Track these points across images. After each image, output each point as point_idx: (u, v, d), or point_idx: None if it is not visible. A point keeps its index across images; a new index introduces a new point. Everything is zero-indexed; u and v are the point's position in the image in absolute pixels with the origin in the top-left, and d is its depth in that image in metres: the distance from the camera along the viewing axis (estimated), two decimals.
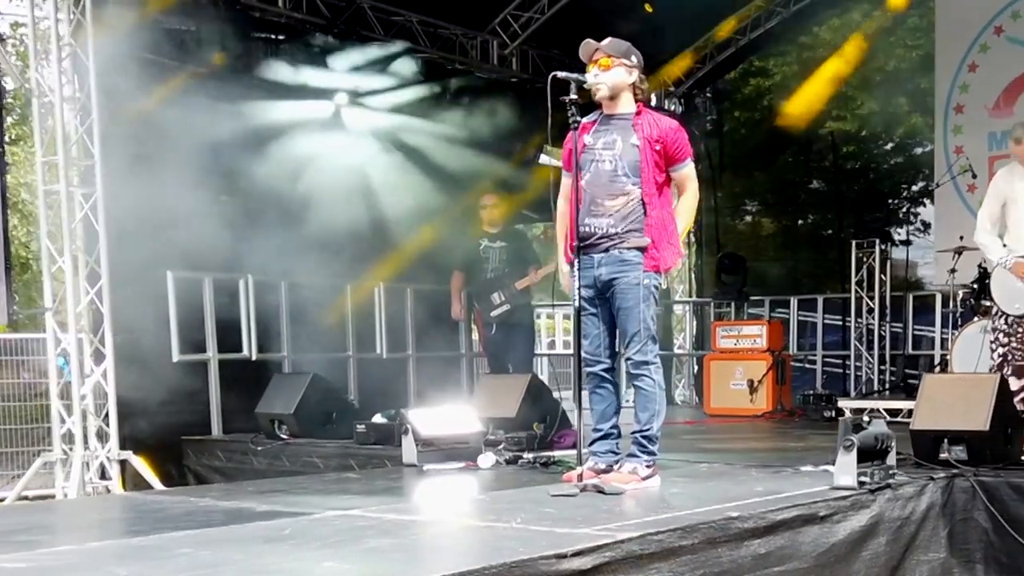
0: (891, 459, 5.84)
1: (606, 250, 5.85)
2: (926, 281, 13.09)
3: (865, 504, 5.39)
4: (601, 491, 5.54)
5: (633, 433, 5.99)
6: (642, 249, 5.82)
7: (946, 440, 6.27)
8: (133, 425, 8.82)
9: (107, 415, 8.59)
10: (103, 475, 8.53)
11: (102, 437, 8.59)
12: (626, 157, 5.83)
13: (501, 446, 7.45)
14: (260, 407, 9.07)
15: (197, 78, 9.59)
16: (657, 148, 5.81)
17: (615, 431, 6.10)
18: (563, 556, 3.95)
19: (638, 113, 5.90)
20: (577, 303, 5.80)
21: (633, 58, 5.92)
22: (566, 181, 6.07)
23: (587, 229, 5.83)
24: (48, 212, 8.65)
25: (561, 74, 5.74)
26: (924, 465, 6.21)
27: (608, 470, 5.96)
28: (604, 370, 6.05)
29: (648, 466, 5.93)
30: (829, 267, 13.75)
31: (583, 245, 5.80)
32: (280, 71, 10.40)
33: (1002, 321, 7.17)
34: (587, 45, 5.91)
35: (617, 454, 6.07)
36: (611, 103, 5.92)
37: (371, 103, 11.17)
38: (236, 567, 3.95)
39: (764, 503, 5.09)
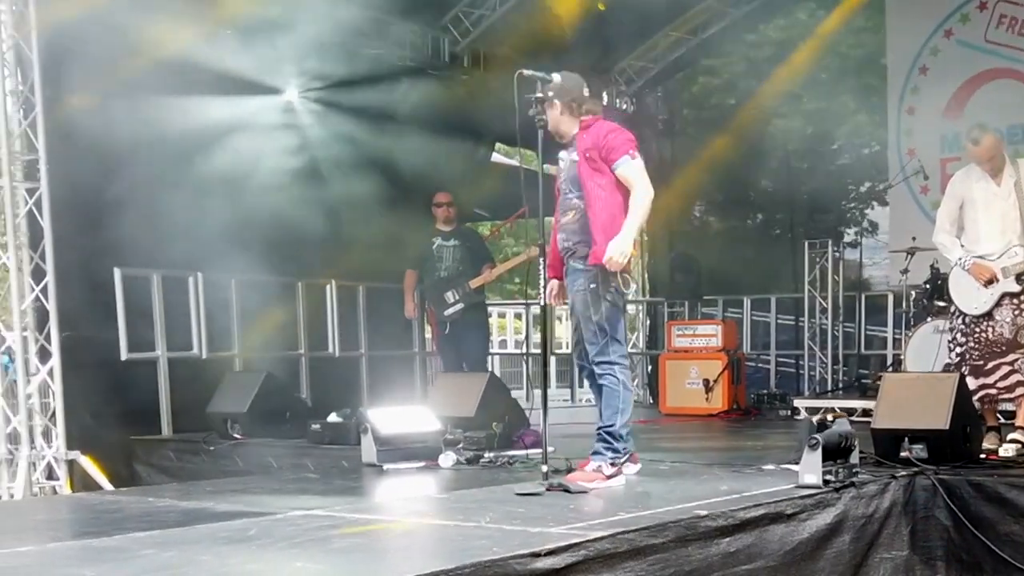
0: (854, 458, 5.84)
1: (565, 263, 6.15)
2: (874, 282, 13.19)
3: (830, 502, 5.41)
4: (567, 490, 5.53)
5: (597, 430, 6.02)
6: (585, 256, 5.98)
7: (907, 439, 6.30)
8: (81, 425, 8.65)
9: (53, 414, 8.41)
10: (50, 475, 8.35)
11: (48, 437, 8.41)
12: (570, 174, 6.06)
13: (460, 445, 7.38)
14: (212, 406, 8.96)
15: (145, 71, 9.39)
16: (589, 156, 5.96)
17: None
18: (537, 555, 3.93)
19: (583, 128, 6.05)
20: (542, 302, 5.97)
21: (562, 92, 5.96)
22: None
23: (559, 247, 6.18)
24: None
25: (527, 72, 5.75)
26: (885, 464, 6.25)
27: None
28: (586, 372, 6.28)
29: (612, 464, 5.93)
30: (779, 267, 13.80)
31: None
32: (229, 65, 10.23)
33: (959, 321, 7.20)
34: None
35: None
36: (560, 135, 6.08)
37: (321, 99, 11.05)
38: (204, 568, 3.87)
39: (731, 502, 5.09)
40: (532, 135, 5.83)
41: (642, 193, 5.95)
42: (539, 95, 5.74)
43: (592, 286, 5.90)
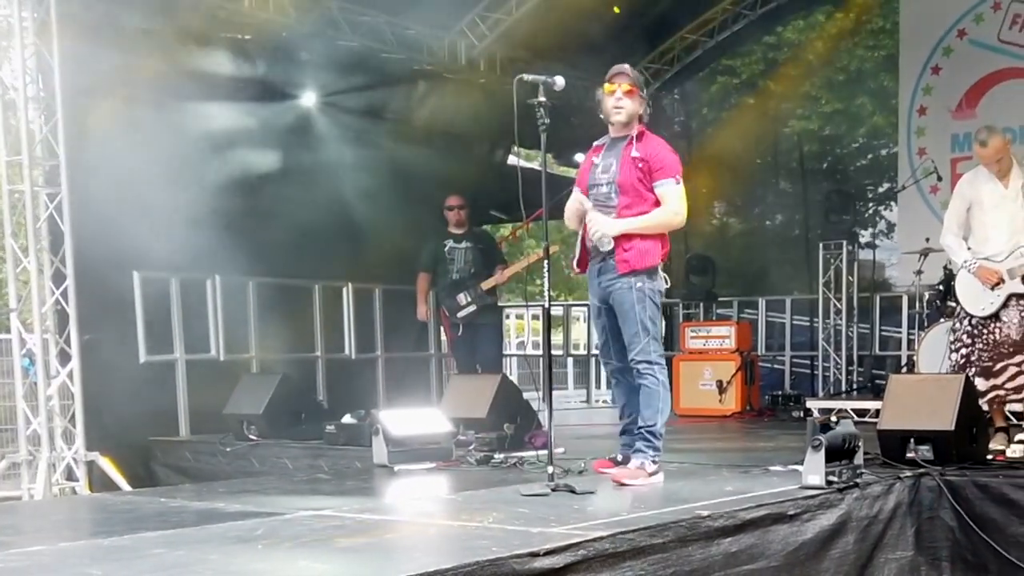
0: (858, 458, 5.87)
1: (604, 259, 6.11)
2: (894, 282, 13.17)
3: (833, 503, 5.45)
4: (572, 491, 5.59)
5: (639, 429, 6.13)
6: (624, 260, 6.01)
7: (912, 440, 6.34)
8: (100, 426, 8.74)
9: (73, 416, 8.50)
10: (70, 476, 8.43)
11: (68, 438, 8.50)
12: (616, 179, 6.05)
13: (471, 446, 7.46)
14: (228, 408, 9.04)
15: (163, 77, 9.52)
16: (640, 166, 5.99)
17: (634, 426, 6.28)
18: (535, 555, 3.98)
19: (639, 136, 6.07)
20: (547, 304, 5.99)
21: (644, 91, 6.16)
22: (575, 194, 6.25)
23: (590, 244, 6.13)
24: (12, 212, 8.57)
25: (528, 76, 5.83)
26: (891, 464, 6.29)
27: (625, 461, 6.19)
28: (615, 371, 6.36)
29: (654, 461, 6.07)
30: (796, 268, 13.82)
31: (590, 259, 6.18)
32: (247, 71, 10.35)
33: (966, 323, 7.22)
34: (619, 67, 6.11)
35: (630, 448, 6.26)
36: (621, 128, 6.09)
37: (338, 103, 11.15)
38: (209, 567, 3.94)
39: (734, 502, 5.13)
40: (534, 138, 5.89)
41: (666, 212, 6.04)
42: (542, 99, 5.79)
43: (639, 284, 5.99)
